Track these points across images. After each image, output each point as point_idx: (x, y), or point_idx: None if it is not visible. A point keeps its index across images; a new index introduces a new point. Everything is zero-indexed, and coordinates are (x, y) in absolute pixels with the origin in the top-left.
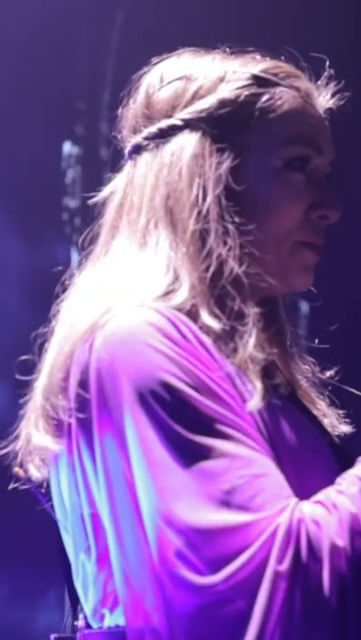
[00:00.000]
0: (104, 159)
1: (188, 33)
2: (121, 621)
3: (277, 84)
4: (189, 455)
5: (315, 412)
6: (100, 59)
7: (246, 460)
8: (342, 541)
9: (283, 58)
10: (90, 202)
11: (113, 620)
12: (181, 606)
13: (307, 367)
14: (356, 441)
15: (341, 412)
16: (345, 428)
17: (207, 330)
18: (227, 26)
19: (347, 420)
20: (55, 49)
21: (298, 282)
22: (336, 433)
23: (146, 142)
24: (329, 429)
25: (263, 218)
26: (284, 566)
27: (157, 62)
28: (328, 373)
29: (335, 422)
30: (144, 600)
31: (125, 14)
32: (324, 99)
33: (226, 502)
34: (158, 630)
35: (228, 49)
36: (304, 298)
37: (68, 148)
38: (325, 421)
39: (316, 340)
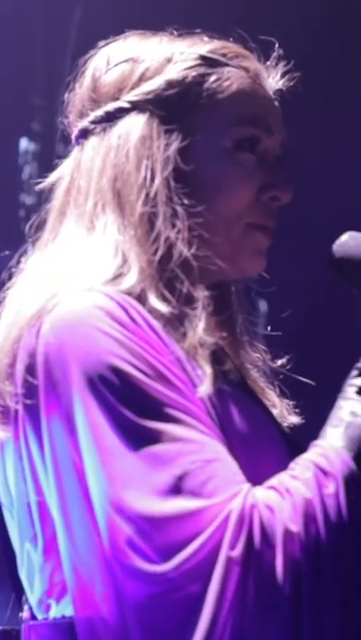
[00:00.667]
0: (61, 155)
1: (145, 28)
2: (67, 612)
3: (225, 65)
4: (140, 440)
5: (265, 401)
6: (58, 54)
7: (198, 445)
8: (296, 527)
9: (231, 39)
10: (37, 188)
11: (59, 610)
12: (133, 595)
13: (257, 355)
14: (306, 433)
15: (291, 402)
16: (294, 419)
17: (156, 314)
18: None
19: (296, 411)
20: (11, 45)
21: (249, 265)
22: (285, 424)
23: (93, 126)
24: (278, 420)
25: (213, 199)
26: (237, 552)
27: (104, 45)
28: (279, 362)
29: (284, 413)
30: (94, 589)
31: (83, 10)
32: (274, 80)
33: (177, 488)
34: (108, 620)
35: (175, 31)
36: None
37: (24, 144)
38: (275, 412)
39: (269, 328)
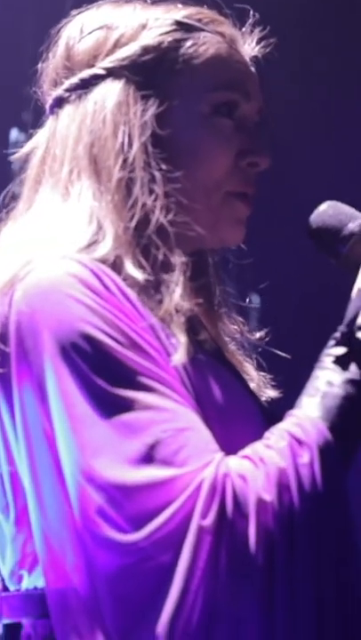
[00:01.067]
0: None
1: None
2: (40, 583)
3: (201, 30)
4: (112, 408)
5: (242, 374)
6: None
7: (171, 414)
8: (269, 496)
9: (205, 6)
10: (11, 158)
11: (31, 581)
12: (104, 565)
13: (235, 327)
14: (285, 406)
15: (268, 375)
16: (272, 393)
17: (132, 281)
18: None
19: (273, 384)
20: (1, 34)
21: (229, 235)
22: (263, 397)
23: (68, 94)
24: (256, 392)
25: (191, 165)
26: (209, 521)
27: (77, 14)
28: (258, 335)
29: (262, 386)
30: (65, 560)
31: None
32: (250, 46)
33: (149, 457)
34: (80, 590)
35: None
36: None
37: (14, 134)
38: (252, 385)
39: (248, 299)
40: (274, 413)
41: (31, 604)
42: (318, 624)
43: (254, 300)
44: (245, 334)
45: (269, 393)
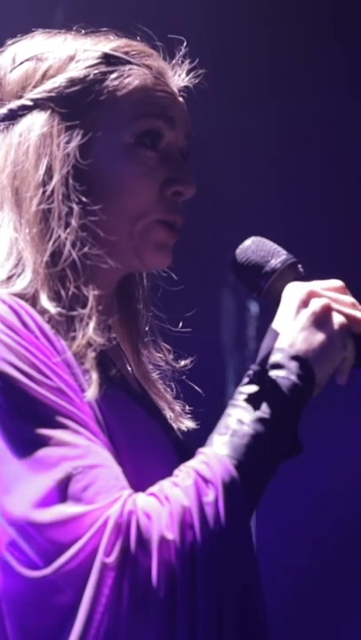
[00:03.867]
0: None
1: (127, 29)
2: None
3: (128, 62)
4: (26, 446)
5: (161, 403)
6: None
7: (82, 450)
8: (172, 535)
9: (138, 38)
10: None
11: None
12: (12, 595)
13: (160, 355)
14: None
15: (187, 407)
16: (189, 424)
17: (47, 315)
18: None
19: (190, 416)
20: None
21: (152, 260)
22: (182, 427)
23: None
24: (172, 424)
25: (113, 197)
26: (112, 558)
27: (11, 44)
28: (182, 362)
29: (180, 416)
30: None
31: (64, 13)
32: (180, 77)
33: (59, 493)
34: None
35: (82, 30)
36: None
37: None
38: (170, 415)
39: (180, 324)
40: (190, 445)
41: None
42: None
43: (253, 309)
44: (170, 362)
45: (188, 424)
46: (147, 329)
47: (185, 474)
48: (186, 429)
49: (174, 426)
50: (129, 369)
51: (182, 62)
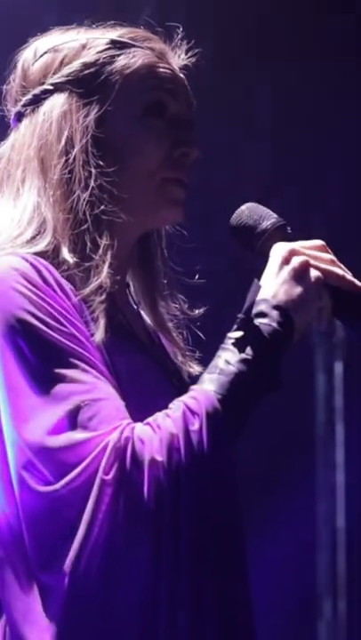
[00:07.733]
0: None
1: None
2: None
3: (133, 46)
4: (42, 382)
5: (174, 349)
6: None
7: (90, 386)
8: (161, 457)
9: (142, 27)
10: None
11: None
12: (28, 508)
13: (176, 305)
14: None
15: (196, 353)
16: (198, 368)
17: (66, 265)
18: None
19: (198, 360)
20: None
21: (167, 214)
22: (191, 371)
23: (24, 109)
24: (182, 367)
25: (127, 159)
26: (110, 475)
27: (33, 41)
28: (196, 311)
29: (190, 361)
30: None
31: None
32: (180, 57)
33: (69, 422)
34: (13, 527)
35: (93, 24)
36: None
37: None
38: (180, 359)
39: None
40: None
41: None
42: (198, 558)
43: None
44: (185, 311)
45: (196, 368)
46: (165, 282)
47: (176, 407)
48: (195, 373)
49: (184, 369)
50: (141, 320)
51: (181, 44)
